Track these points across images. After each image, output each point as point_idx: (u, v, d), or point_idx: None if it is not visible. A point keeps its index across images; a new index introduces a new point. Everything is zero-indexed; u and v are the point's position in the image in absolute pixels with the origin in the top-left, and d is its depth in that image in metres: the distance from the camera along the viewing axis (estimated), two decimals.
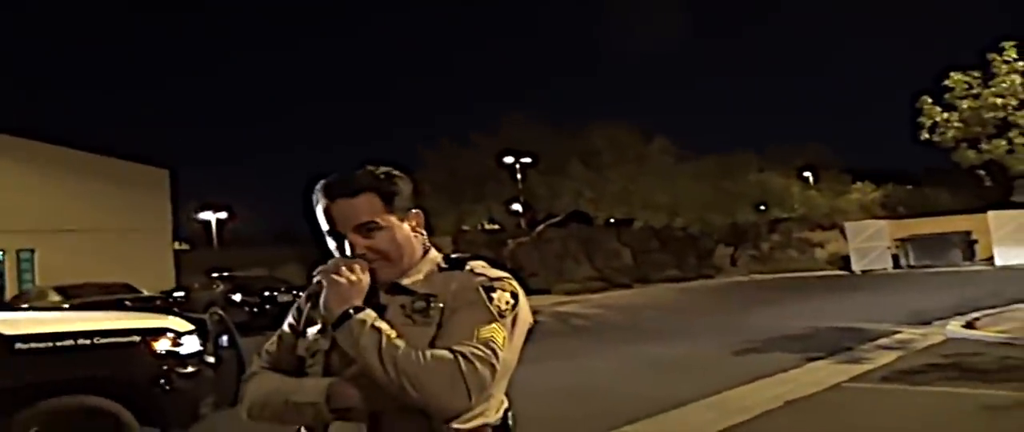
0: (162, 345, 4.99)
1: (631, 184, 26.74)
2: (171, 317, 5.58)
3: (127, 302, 14.13)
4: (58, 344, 4.59)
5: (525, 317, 1.64)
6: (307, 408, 1.54)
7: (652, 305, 18.52)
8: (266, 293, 17.86)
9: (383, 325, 1.52)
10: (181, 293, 18.61)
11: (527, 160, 27.69)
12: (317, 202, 1.64)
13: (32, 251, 23.10)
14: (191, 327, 5.31)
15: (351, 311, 1.53)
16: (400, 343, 1.50)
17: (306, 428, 1.60)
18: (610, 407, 6.54)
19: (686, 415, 6.10)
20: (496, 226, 31.38)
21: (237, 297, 17.62)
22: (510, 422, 1.65)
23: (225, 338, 5.99)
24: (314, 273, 1.64)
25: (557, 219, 28.57)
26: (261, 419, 1.62)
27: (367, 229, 1.60)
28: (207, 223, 43.79)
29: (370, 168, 1.65)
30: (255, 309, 17.20)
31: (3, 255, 23.00)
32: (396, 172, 1.69)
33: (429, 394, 1.45)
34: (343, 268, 1.59)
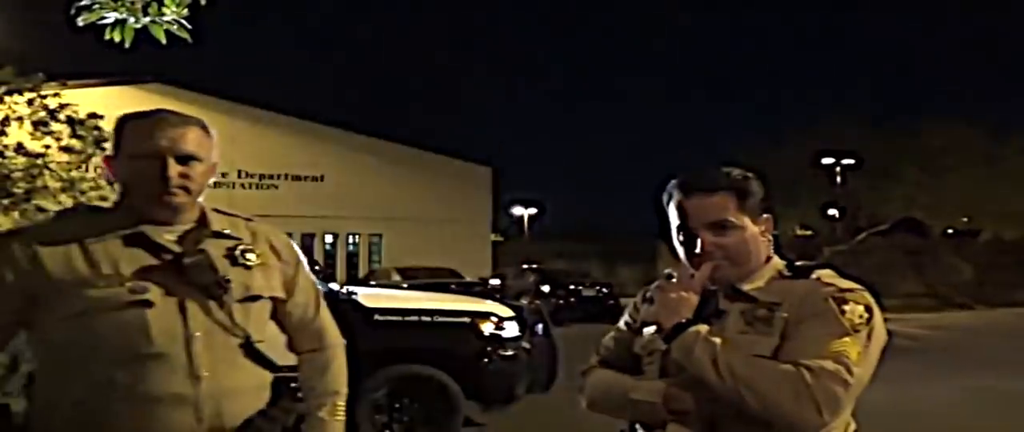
0: (487, 327, 5.45)
1: (978, 190, 23.28)
2: (494, 303, 6.05)
3: (453, 286, 15.70)
4: (406, 318, 5.26)
5: (880, 333, 1.52)
6: (644, 406, 1.57)
7: (995, 331, 16.00)
8: (572, 286, 18.68)
9: (716, 338, 1.50)
10: (498, 281, 20.18)
11: (849, 161, 25.45)
12: (671, 197, 1.65)
13: (380, 236, 26.75)
14: (512, 313, 5.74)
15: (683, 323, 1.53)
16: (737, 352, 1.47)
17: (642, 426, 1.64)
18: None
19: None
20: (809, 232, 29.44)
21: (545, 288, 18.65)
22: None
23: (540, 327, 6.35)
24: (652, 285, 1.68)
25: (883, 227, 25.95)
26: (599, 410, 1.69)
27: (719, 227, 1.59)
28: (520, 218, 46.98)
29: (726, 168, 1.64)
30: (561, 301, 18.06)
31: (358, 238, 26.91)
32: (751, 174, 1.65)
33: (770, 404, 1.41)
34: (674, 282, 1.60)
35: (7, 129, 13.04)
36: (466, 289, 15.65)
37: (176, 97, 21.15)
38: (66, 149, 13.74)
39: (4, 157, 12.94)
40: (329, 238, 26.77)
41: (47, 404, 1.52)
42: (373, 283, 17.05)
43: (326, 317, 1.83)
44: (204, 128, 1.63)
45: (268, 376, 1.63)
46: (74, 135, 13.95)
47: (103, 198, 14.11)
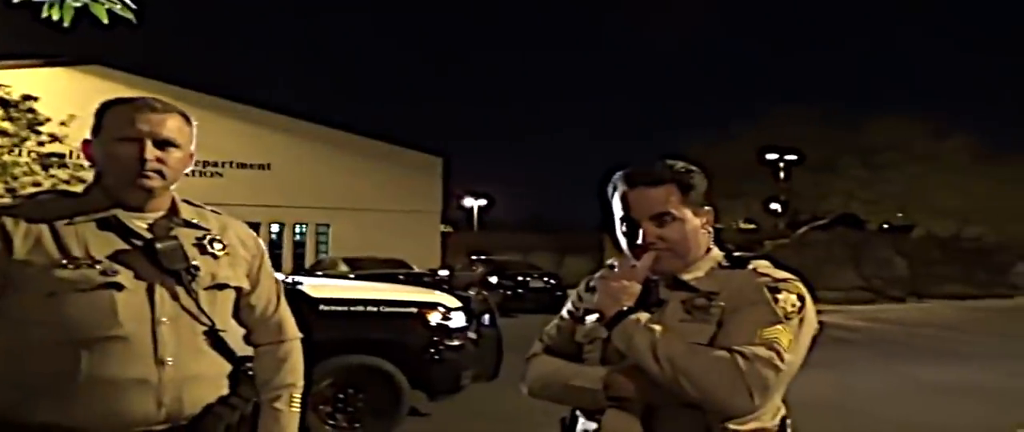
0: (434, 318, 5.44)
1: (914, 186, 24.01)
2: (442, 294, 6.05)
3: (401, 276, 15.59)
4: (352, 308, 5.21)
5: (811, 321, 1.57)
6: (585, 393, 1.60)
7: (928, 322, 16.61)
8: (520, 278, 18.73)
9: (655, 326, 1.53)
10: (446, 272, 20.12)
11: (792, 157, 25.98)
12: (615, 189, 1.68)
13: (328, 226, 26.41)
14: (459, 304, 5.73)
15: (623, 311, 1.56)
16: (676, 340, 1.50)
17: (582, 411, 1.66)
18: (875, 429, 6.01)
19: None
20: (752, 225, 30.05)
21: (494, 279, 18.67)
22: (788, 430, 1.59)
23: (487, 317, 6.38)
24: (596, 275, 1.71)
25: (823, 221, 26.64)
26: (540, 397, 1.71)
27: (662, 219, 1.62)
28: (469, 209, 46.97)
29: (670, 162, 1.67)
30: (510, 292, 18.10)
31: (305, 228, 26.53)
32: (694, 168, 1.69)
33: (707, 391, 1.44)
34: (616, 272, 1.64)
35: None
36: (414, 280, 15.57)
37: (117, 80, 20.53)
38: None
39: None
40: (275, 228, 26.33)
41: (12, 384, 1.48)
42: (320, 274, 16.83)
43: (285, 311, 1.84)
44: (185, 118, 1.65)
45: (228, 366, 1.64)
46: (7, 118, 13.45)
47: (36, 183, 13.67)
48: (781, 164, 26.32)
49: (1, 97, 13.42)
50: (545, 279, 18.92)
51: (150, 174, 1.56)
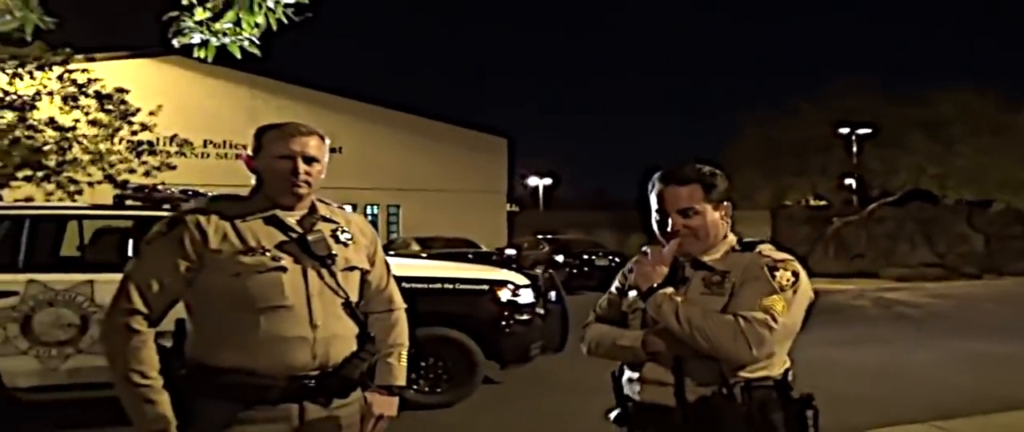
0: (504, 294, 5.97)
1: (986, 160, 23.26)
2: (511, 272, 6.56)
3: (470, 255, 16.23)
4: (431, 286, 5.78)
5: (806, 291, 2.00)
6: (628, 350, 2.07)
7: (997, 298, 16.35)
8: (585, 256, 19.19)
9: (677, 298, 1.98)
10: (512, 251, 20.73)
11: (865, 131, 25.29)
12: (652, 187, 2.13)
13: (398, 206, 27.30)
14: (528, 282, 6.25)
15: (654, 287, 2.02)
16: (694, 308, 1.96)
17: (627, 365, 2.13)
18: (928, 396, 6.29)
19: (1012, 421, 5.64)
20: (823, 202, 29.57)
21: (559, 258, 19.17)
22: (789, 378, 2.03)
23: (553, 294, 6.86)
24: (634, 258, 2.17)
25: (894, 197, 26.07)
26: (595, 355, 2.19)
27: (686, 212, 2.06)
28: (535, 188, 47.42)
29: (698, 165, 2.11)
30: (574, 270, 18.58)
31: (376, 209, 27.49)
32: (718, 171, 2.13)
33: (716, 345, 1.90)
34: (649, 257, 2.09)
35: (38, 104, 13.57)
36: (482, 259, 16.19)
37: (198, 70, 21.57)
38: (94, 123, 14.28)
39: (37, 131, 13.51)
40: (348, 209, 27.35)
41: (204, 339, 2.02)
42: (392, 253, 17.62)
43: (393, 286, 2.37)
44: (322, 137, 2.15)
45: (357, 328, 2.14)
46: (102, 109, 14.48)
47: (131, 170, 14.67)
48: (853, 138, 25.82)
49: (97, 91, 14.39)
50: (610, 258, 19.32)
51: (301, 184, 2.07)
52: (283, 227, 2.07)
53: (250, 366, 1.97)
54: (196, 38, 3.35)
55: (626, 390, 2.11)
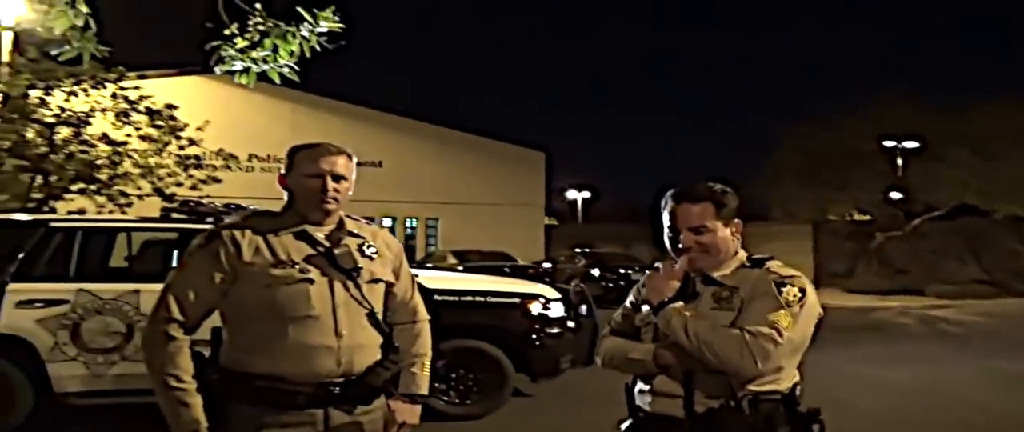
0: (535, 308, 6.05)
1: None
2: (543, 286, 6.64)
3: (506, 269, 16.34)
4: (462, 299, 5.89)
5: (813, 307, 2.05)
6: (639, 363, 2.14)
7: None
8: (621, 270, 19.15)
9: (687, 312, 2.05)
10: (549, 264, 20.77)
11: (912, 144, 24.78)
12: (665, 205, 2.20)
13: (436, 220, 27.58)
14: (558, 296, 6.33)
15: (666, 301, 2.09)
16: (703, 322, 2.02)
17: (640, 378, 2.20)
18: (959, 415, 6.19)
19: None
20: (867, 217, 28.98)
21: (595, 272, 19.16)
22: (797, 392, 2.07)
23: (584, 308, 6.91)
24: (645, 276, 2.24)
25: (938, 212, 25.45)
26: (608, 367, 2.26)
27: (698, 230, 2.13)
28: (574, 201, 47.42)
29: (710, 184, 2.18)
30: (610, 284, 18.55)
31: (415, 222, 27.81)
32: (728, 189, 2.19)
33: (723, 358, 1.96)
34: (661, 273, 2.16)
35: (91, 120, 14.09)
36: (519, 272, 16.28)
37: (243, 88, 22.17)
38: (144, 137, 14.77)
39: (91, 146, 14.03)
40: (387, 222, 27.67)
41: (237, 347, 2.15)
42: (430, 265, 17.82)
43: (418, 298, 2.47)
44: (350, 157, 2.27)
45: (381, 338, 2.25)
46: (152, 124, 14.97)
47: (178, 183, 15.12)
48: (898, 151, 25.35)
49: (148, 107, 14.89)
50: (644, 272, 19.23)
51: (330, 201, 2.19)
52: (312, 241, 2.19)
53: (279, 373, 2.08)
54: (237, 66, 3.55)
55: (637, 401, 2.18)
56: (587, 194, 47.67)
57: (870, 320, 15.18)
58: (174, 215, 5.79)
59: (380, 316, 2.26)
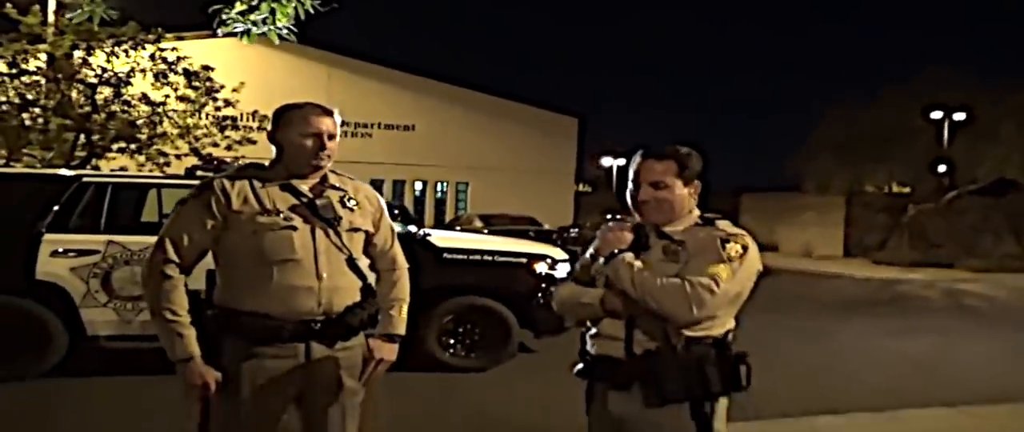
0: (541, 267, 6.27)
1: None
2: (550, 247, 6.84)
3: (531, 232, 16.58)
4: (470, 257, 6.13)
5: (753, 263, 2.21)
6: (588, 307, 2.33)
7: None
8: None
9: (636, 263, 2.22)
10: (575, 230, 20.96)
11: (960, 116, 24.34)
12: (634, 161, 2.37)
13: (467, 184, 27.86)
14: (565, 257, 6.53)
15: (615, 252, 2.27)
16: (647, 273, 2.20)
17: (590, 322, 2.39)
18: (964, 385, 6.26)
19: None
20: (907, 189, 28.55)
21: None
22: (729, 338, 2.25)
23: None
24: (600, 230, 2.42)
25: (974, 186, 24.99)
26: (561, 311, 2.46)
27: (657, 185, 2.30)
28: (609, 169, 47.32)
29: (677, 145, 2.35)
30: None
31: (446, 186, 28.14)
32: (693, 153, 2.35)
33: (663, 305, 2.14)
34: (613, 227, 2.34)
35: (132, 81, 14.52)
36: (544, 236, 16.50)
37: (278, 50, 22.45)
38: (182, 98, 15.18)
39: (131, 106, 14.47)
40: (418, 185, 28.04)
41: (228, 287, 2.40)
42: (458, 228, 18.13)
43: (398, 248, 2.67)
44: (334, 115, 2.47)
45: (360, 282, 2.47)
46: (189, 86, 15.37)
47: (214, 143, 15.53)
48: (946, 124, 24.88)
49: (185, 68, 15.28)
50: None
51: (324, 158, 2.42)
52: (296, 193, 2.41)
53: (265, 310, 2.32)
54: (239, 28, 3.79)
55: (587, 345, 2.38)
56: (623, 161, 47.54)
57: (893, 292, 15.12)
58: (199, 173, 6.09)
59: (359, 263, 2.48)
